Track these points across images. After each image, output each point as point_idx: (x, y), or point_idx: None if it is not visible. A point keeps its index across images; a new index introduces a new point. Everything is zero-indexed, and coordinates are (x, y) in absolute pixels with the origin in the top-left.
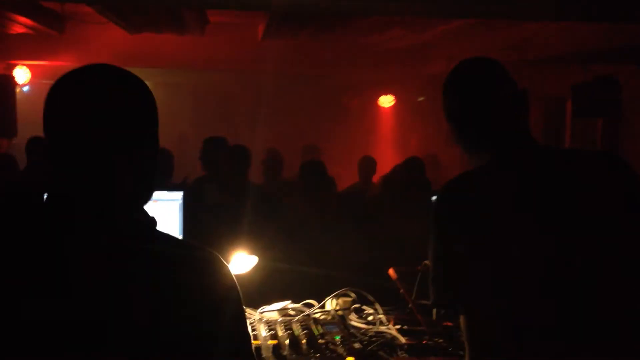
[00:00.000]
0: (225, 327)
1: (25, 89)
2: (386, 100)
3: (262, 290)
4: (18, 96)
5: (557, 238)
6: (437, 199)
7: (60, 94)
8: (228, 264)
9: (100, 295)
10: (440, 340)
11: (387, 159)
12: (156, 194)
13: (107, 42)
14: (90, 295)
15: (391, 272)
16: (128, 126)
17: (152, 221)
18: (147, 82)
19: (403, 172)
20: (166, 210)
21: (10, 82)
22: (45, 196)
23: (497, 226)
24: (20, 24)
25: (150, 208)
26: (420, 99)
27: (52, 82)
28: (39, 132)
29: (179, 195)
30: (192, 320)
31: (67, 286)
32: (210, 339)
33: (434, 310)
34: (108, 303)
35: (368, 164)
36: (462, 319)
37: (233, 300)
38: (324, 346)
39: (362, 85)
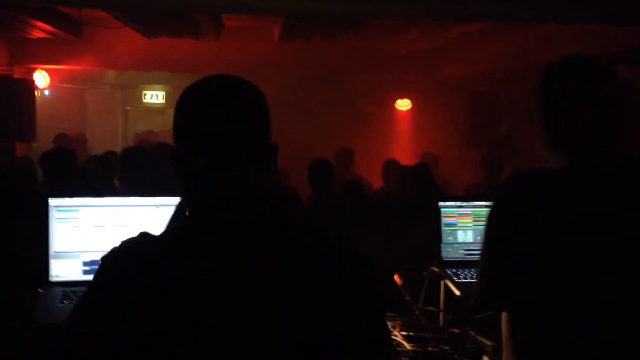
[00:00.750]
0: (361, 326)
1: (46, 92)
2: (403, 104)
3: None
4: (38, 100)
5: (626, 254)
6: (503, 195)
7: (193, 104)
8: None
9: (250, 298)
10: (446, 347)
11: (403, 163)
12: (160, 200)
13: (124, 46)
14: (242, 300)
15: (396, 278)
16: (256, 132)
17: (290, 219)
18: (166, 86)
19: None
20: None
21: (29, 86)
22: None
23: (564, 233)
24: (39, 29)
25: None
26: None
27: (71, 85)
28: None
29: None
30: (328, 319)
31: (219, 290)
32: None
33: (441, 317)
34: (257, 304)
35: (392, 168)
36: (505, 317)
37: (369, 301)
38: None
39: (379, 88)
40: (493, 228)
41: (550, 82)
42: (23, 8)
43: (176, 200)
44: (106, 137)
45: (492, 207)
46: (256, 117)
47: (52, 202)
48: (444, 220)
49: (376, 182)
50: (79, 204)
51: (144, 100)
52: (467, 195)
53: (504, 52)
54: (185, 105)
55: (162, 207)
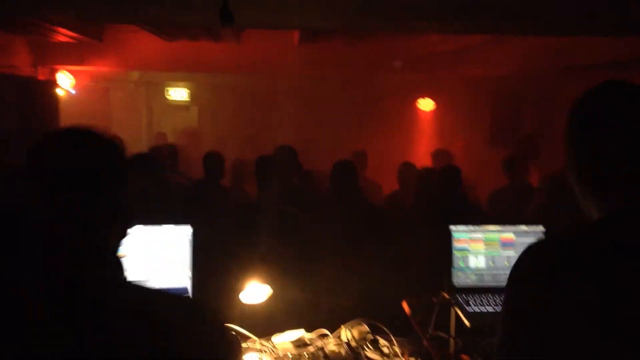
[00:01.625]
0: None
1: (73, 91)
2: (426, 104)
3: (275, 318)
4: (63, 99)
5: None
6: (524, 260)
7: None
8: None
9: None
10: None
11: (425, 163)
12: (165, 229)
13: (144, 48)
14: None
15: (404, 305)
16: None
17: (122, 274)
18: (190, 83)
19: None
20: (175, 245)
21: (52, 86)
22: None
23: (610, 314)
24: (62, 34)
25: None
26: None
27: (95, 84)
28: None
29: (188, 230)
30: None
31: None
32: None
33: (451, 343)
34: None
35: (408, 172)
36: None
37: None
38: None
39: (401, 88)
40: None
41: (586, 110)
42: (48, 19)
43: (181, 229)
44: (131, 135)
45: (511, 284)
46: (95, 176)
47: None
48: (455, 245)
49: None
50: None
51: (167, 97)
52: (484, 214)
53: (531, 53)
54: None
55: (166, 235)
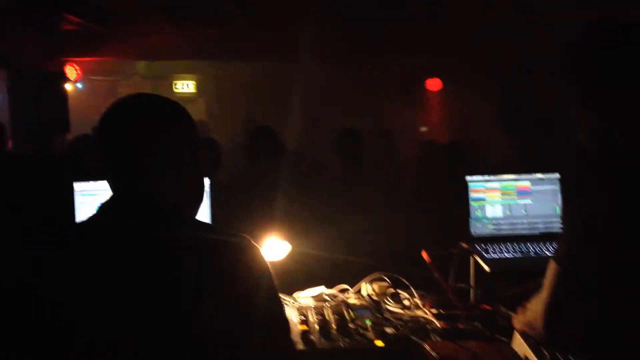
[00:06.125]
0: (259, 312)
1: (79, 85)
2: (434, 84)
3: (296, 276)
4: (71, 94)
5: None
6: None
7: (114, 120)
8: (260, 248)
9: (141, 286)
10: (478, 324)
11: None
12: None
13: (151, 36)
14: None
15: (424, 255)
16: (169, 147)
17: (203, 224)
18: (198, 76)
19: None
20: None
21: (61, 78)
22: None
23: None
24: (69, 22)
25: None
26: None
27: (99, 78)
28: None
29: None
30: (226, 306)
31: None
32: (245, 324)
33: (471, 293)
34: (148, 292)
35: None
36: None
37: (266, 286)
38: (354, 331)
39: (412, 71)
40: None
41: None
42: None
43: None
44: None
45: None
46: (168, 131)
47: (77, 186)
48: (472, 195)
49: None
50: (101, 189)
51: (175, 90)
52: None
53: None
54: (110, 123)
55: None
